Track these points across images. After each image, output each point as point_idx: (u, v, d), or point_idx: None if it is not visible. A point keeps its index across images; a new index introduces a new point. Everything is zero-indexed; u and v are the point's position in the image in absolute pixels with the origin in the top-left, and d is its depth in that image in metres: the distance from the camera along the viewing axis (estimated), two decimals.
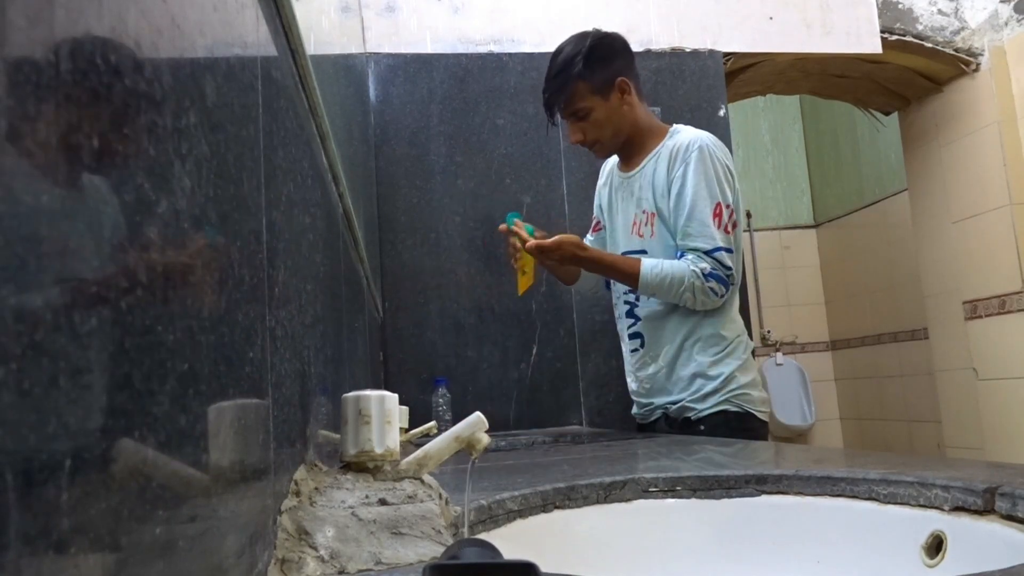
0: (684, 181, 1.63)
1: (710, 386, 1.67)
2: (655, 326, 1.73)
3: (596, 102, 1.66)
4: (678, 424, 1.72)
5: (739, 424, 1.65)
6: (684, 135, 1.70)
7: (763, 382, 1.80)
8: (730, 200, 1.63)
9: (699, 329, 1.69)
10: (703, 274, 1.59)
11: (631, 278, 1.64)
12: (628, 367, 1.84)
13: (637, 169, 1.74)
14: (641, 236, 1.73)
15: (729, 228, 1.62)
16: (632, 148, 1.73)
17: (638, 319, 1.77)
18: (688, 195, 1.62)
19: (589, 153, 1.85)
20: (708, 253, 1.60)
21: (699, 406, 1.69)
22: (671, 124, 1.77)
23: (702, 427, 1.67)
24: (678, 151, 1.65)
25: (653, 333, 1.74)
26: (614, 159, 1.86)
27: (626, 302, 1.79)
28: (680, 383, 1.70)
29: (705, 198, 1.61)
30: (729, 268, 1.60)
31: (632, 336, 1.79)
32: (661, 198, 1.67)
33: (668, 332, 1.71)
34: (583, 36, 1.71)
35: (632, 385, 1.83)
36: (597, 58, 1.66)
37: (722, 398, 1.68)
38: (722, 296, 1.63)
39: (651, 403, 1.77)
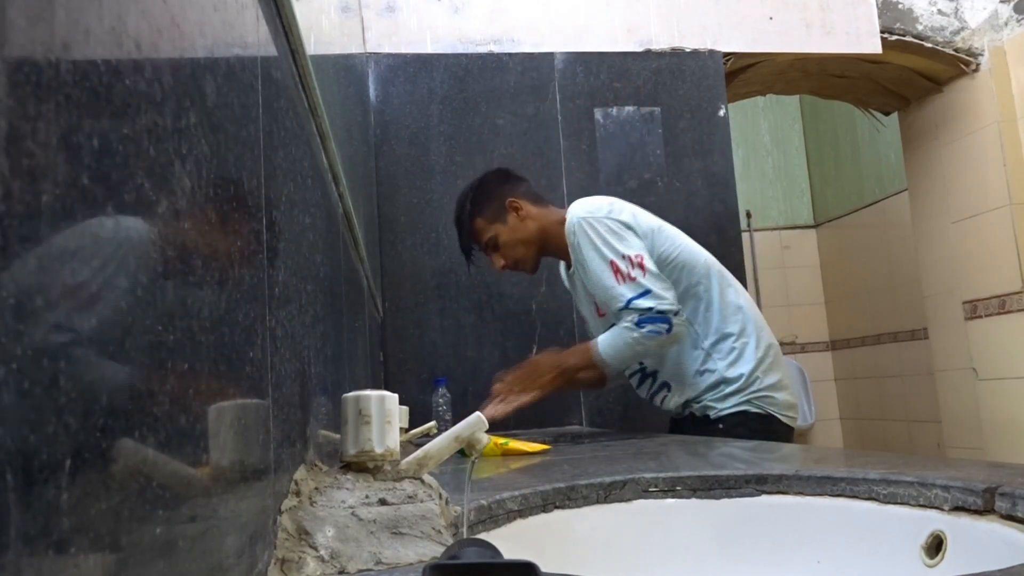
0: (582, 265, 1.71)
1: (731, 387, 1.70)
2: (668, 365, 1.77)
3: (498, 228, 1.80)
4: (699, 421, 1.74)
5: (760, 426, 1.65)
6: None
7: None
8: (622, 250, 1.66)
9: (708, 343, 1.72)
10: (635, 324, 1.64)
11: (592, 366, 1.72)
12: (648, 398, 1.87)
13: (573, 266, 1.81)
14: (603, 316, 1.78)
15: (634, 275, 1.64)
16: (558, 249, 1.80)
17: (646, 364, 1.81)
18: (590, 274, 1.69)
19: (589, 153, 1.86)
20: (624, 309, 1.64)
21: (719, 405, 1.70)
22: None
23: (721, 425, 1.68)
24: (569, 242, 1.74)
25: (668, 371, 1.77)
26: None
27: None
28: (703, 390, 1.73)
29: (599, 267, 1.67)
30: (649, 308, 1.63)
31: (649, 376, 1.82)
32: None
33: (680, 364, 1.75)
34: (473, 181, 1.88)
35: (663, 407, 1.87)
36: (482, 193, 1.82)
37: (743, 399, 1.68)
38: (672, 328, 1.63)
39: (682, 403, 1.79)
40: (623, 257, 1.66)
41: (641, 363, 1.81)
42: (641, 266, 1.65)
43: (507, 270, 1.85)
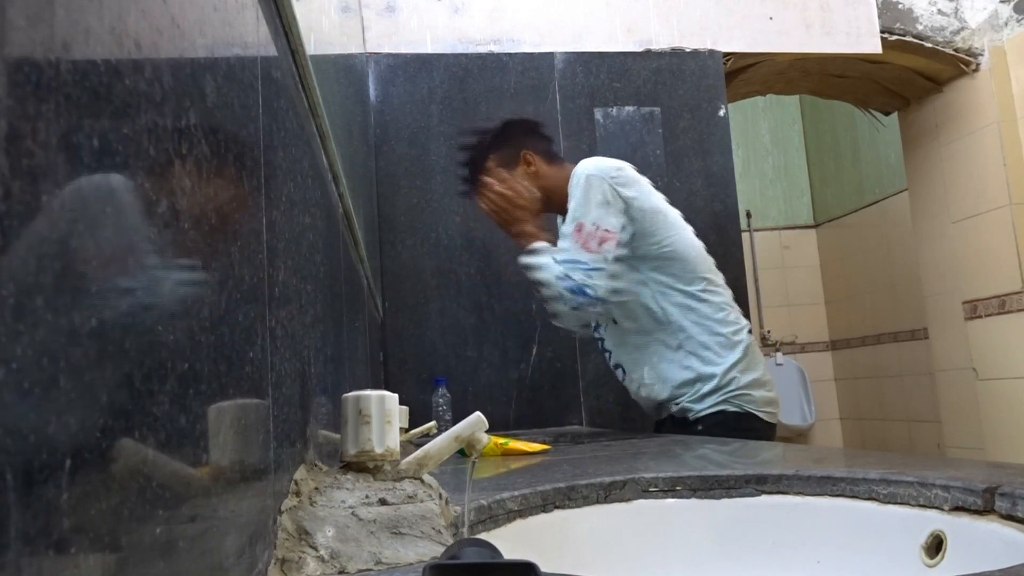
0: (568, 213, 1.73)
1: (707, 387, 1.69)
2: (629, 351, 1.79)
3: (503, 175, 1.81)
4: (679, 423, 1.74)
5: (738, 424, 1.66)
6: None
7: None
8: (597, 218, 1.66)
9: (682, 336, 1.72)
10: (560, 277, 1.66)
11: (526, 262, 1.74)
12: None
13: None
14: None
15: (592, 246, 1.65)
16: (560, 205, 1.81)
17: (610, 351, 1.85)
18: (567, 218, 1.71)
19: (589, 153, 1.89)
20: (562, 262, 1.66)
21: (697, 406, 1.70)
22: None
23: (699, 427, 1.69)
24: (569, 189, 1.74)
25: (629, 358, 1.80)
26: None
27: (597, 339, 1.89)
28: (676, 387, 1.73)
29: (571, 218, 1.69)
30: (574, 279, 1.64)
31: (614, 367, 1.86)
32: None
33: (646, 354, 1.76)
34: (497, 123, 1.93)
35: (638, 401, 1.88)
36: (503, 137, 1.85)
37: (720, 398, 1.69)
38: (576, 308, 1.66)
39: (658, 404, 1.80)
40: (594, 223, 1.67)
41: (599, 337, 1.86)
42: (602, 241, 1.66)
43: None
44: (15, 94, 0.17)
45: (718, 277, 1.78)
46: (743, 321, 1.78)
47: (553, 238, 1.77)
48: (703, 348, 1.71)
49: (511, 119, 1.96)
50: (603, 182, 1.69)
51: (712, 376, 1.69)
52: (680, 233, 1.75)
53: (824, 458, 0.98)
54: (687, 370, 1.71)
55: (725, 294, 1.78)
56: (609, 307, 1.73)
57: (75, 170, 0.21)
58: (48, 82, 0.19)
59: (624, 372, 1.82)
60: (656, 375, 1.75)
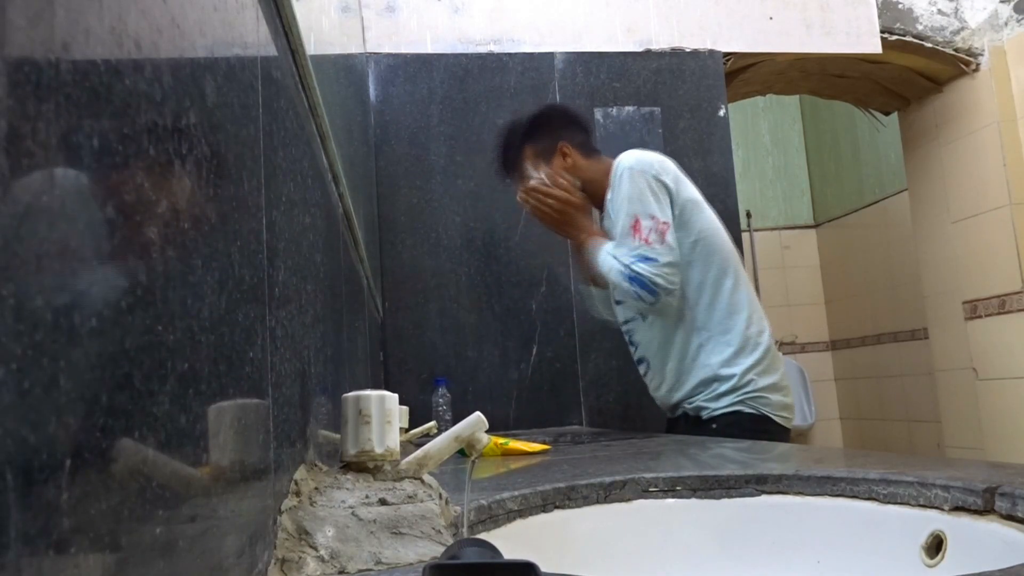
0: (613, 210, 1.72)
1: (724, 386, 1.69)
2: (655, 347, 1.78)
3: (539, 165, 1.81)
4: (692, 421, 1.74)
5: (753, 426, 1.65)
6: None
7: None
8: (653, 211, 1.66)
9: (704, 335, 1.71)
10: (627, 276, 1.66)
11: (592, 261, 1.73)
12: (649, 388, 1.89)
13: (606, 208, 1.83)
14: None
15: (652, 239, 1.65)
16: (596, 199, 1.81)
17: (637, 345, 1.84)
18: (617, 219, 1.71)
19: None
20: (630, 263, 1.66)
21: (712, 405, 1.70)
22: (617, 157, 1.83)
23: (714, 425, 1.68)
24: (612, 183, 1.74)
25: (655, 354, 1.79)
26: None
27: (626, 331, 1.87)
28: (695, 385, 1.73)
29: (624, 217, 1.69)
30: (645, 275, 1.64)
31: (639, 361, 1.86)
32: None
33: (670, 350, 1.75)
34: (536, 109, 1.94)
35: (655, 399, 1.89)
36: (540, 123, 1.85)
37: (737, 399, 1.68)
38: (653, 303, 1.66)
39: (674, 403, 1.80)
40: (651, 217, 1.67)
41: (629, 330, 1.85)
42: (662, 233, 1.66)
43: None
44: (15, 94, 0.17)
45: (744, 275, 1.78)
46: (765, 323, 1.77)
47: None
48: (724, 347, 1.70)
49: (550, 107, 1.95)
50: (646, 174, 1.69)
51: (731, 376, 1.68)
52: (715, 227, 1.75)
53: (824, 458, 0.98)
54: (706, 368, 1.71)
55: (750, 293, 1.77)
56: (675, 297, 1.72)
57: (75, 170, 0.21)
58: (48, 82, 0.19)
59: (648, 367, 1.82)
60: (677, 373, 1.75)
